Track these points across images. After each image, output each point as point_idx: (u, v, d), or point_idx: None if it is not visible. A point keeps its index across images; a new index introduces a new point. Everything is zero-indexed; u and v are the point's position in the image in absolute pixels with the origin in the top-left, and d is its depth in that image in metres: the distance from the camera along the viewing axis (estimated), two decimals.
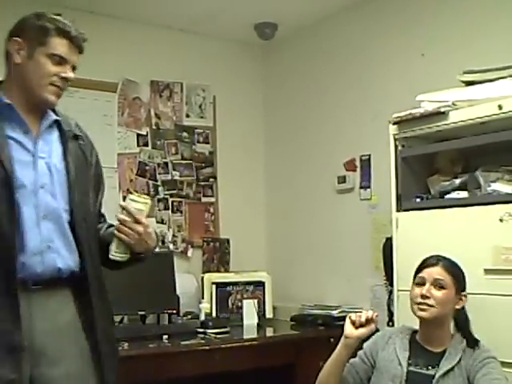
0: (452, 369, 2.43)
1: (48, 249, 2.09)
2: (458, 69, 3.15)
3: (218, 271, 4.63)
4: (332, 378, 2.61)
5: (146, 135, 4.57)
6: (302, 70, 4.79)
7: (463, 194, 3.03)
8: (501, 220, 2.77)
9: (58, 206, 2.15)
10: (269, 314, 4.41)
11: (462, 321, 2.59)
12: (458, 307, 2.56)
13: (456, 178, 3.13)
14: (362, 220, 4.18)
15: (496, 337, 2.61)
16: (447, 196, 3.09)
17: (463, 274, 2.59)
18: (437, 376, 2.43)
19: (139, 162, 4.54)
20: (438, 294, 2.50)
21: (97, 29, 3.56)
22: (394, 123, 3.20)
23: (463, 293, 2.56)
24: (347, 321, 2.61)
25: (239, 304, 4.30)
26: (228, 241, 4.76)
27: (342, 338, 2.61)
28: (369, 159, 4.17)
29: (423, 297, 2.50)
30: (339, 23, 4.47)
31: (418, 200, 3.18)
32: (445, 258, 2.58)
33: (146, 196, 2.29)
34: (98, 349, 2.17)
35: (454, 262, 2.59)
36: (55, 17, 2.19)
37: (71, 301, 2.18)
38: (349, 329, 2.58)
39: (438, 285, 2.50)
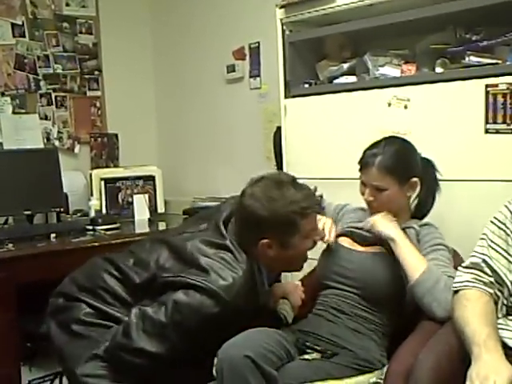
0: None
1: None
2: None
3: (108, 167, 4.50)
4: None
5: (22, 25, 4.27)
6: None
7: (351, 79, 3.01)
8: (389, 104, 2.77)
9: None
10: (161, 209, 4.34)
11: (422, 202, 2.50)
12: (410, 194, 2.43)
13: (344, 62, 3.09)
14: (253, 110, 4.12)
15: None
16: (336, 81, 3.06)
17: (406, 160, 2.39)
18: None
19: (16, 54, 4.26)
20: (381, 196, 2.36)
21: None
22: (281, 7, 3.12)
23: (413, 179, 2.38)
24: None
25: (129, 200, 4.20)
26: (116, 136, 4.64)
27: None
28: (258, 47, 4.06)
29: (368, 201, 2.41)
30: None
31: (307, 86, 3.14)
32: (384, 150, 2.35)
33: None
34: None
35: (394, 153, 2.36)
36: (292, 199, 2.07)
37: None
38: None
39: (378, 188, 2.35)
